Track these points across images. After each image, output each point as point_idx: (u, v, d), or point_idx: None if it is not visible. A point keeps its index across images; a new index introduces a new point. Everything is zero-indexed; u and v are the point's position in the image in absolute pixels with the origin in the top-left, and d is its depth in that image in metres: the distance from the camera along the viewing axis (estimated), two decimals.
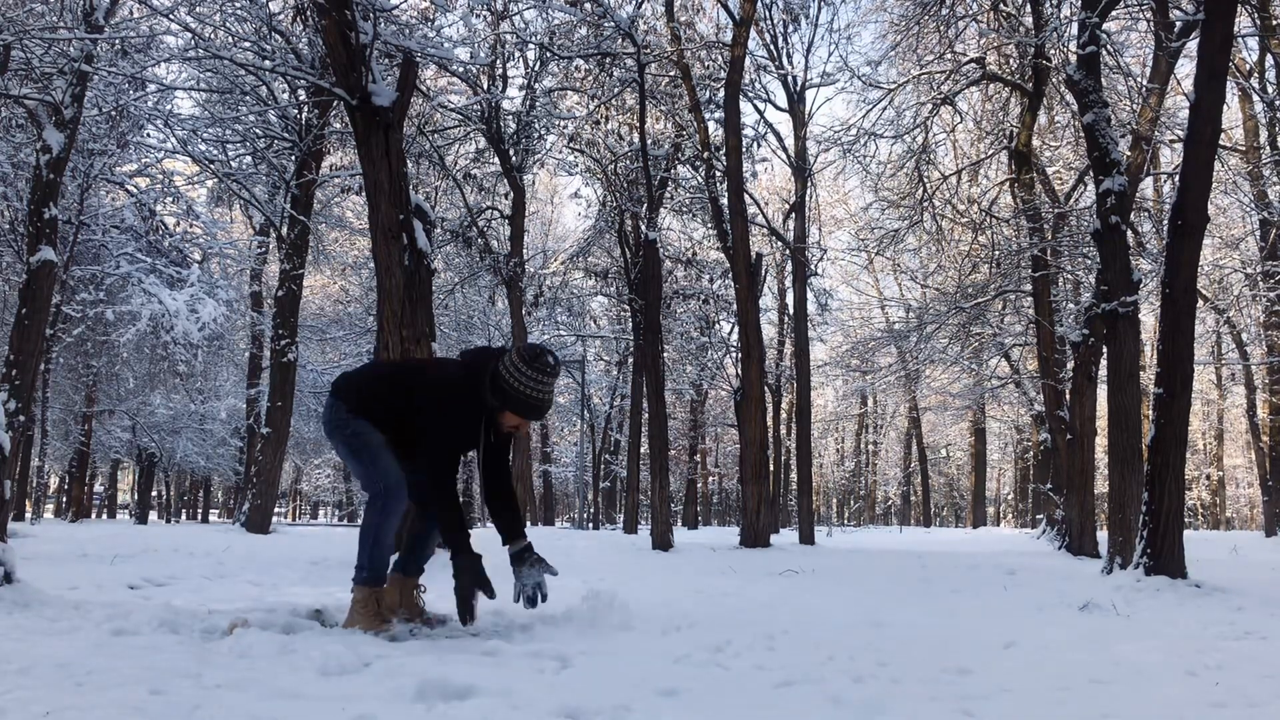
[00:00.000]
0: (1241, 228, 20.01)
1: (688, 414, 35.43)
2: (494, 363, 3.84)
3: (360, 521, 4.01)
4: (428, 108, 16.95)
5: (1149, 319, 19.54)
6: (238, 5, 12.21)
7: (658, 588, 6.19)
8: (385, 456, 3.90)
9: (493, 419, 3.89)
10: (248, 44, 13.53)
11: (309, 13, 11.15)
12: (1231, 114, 18.00)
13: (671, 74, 16.99)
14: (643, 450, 24.35)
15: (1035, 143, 15.78)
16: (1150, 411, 7.16)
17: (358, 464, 3.95)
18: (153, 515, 38.19)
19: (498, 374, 3.78)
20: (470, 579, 3.77)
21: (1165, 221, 8.44)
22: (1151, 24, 11.68)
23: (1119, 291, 8.95)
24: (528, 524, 22.97)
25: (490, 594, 3.82)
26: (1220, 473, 38.68)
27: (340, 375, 4.21)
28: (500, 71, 19.34)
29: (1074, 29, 11.23)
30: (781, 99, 19.52)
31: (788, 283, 25.22)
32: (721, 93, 16.03)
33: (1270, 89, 16.96)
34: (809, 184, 19.16)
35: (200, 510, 44.88)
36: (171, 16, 11.60)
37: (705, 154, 15.80)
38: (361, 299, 26.33)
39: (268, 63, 13.26)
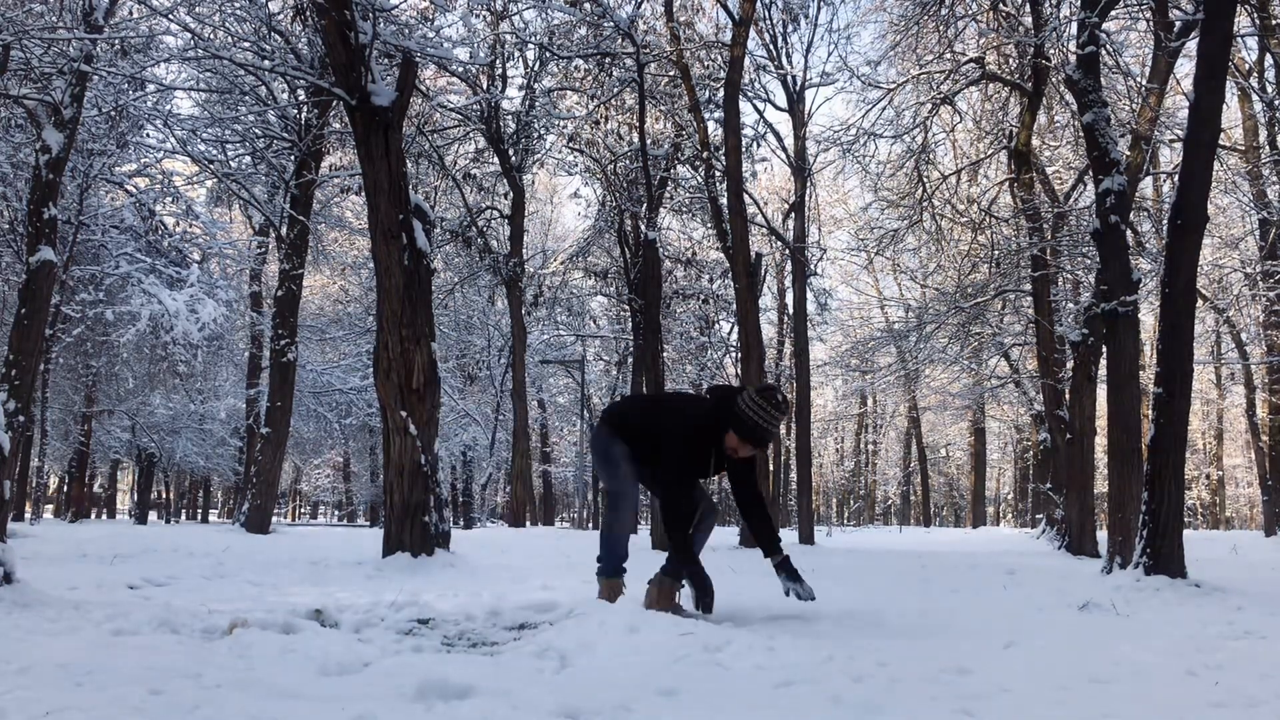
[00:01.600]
0: (1241, 227, 20.00)
1: None
2: (731, 400, 4.43)
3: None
4: (427, 108, 16.96)
5: (1149, 319, 19.54)
6: (237, 5, 12.21)
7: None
8: (625, 467, 4.61)
9: (720, 445, 4.46)
10: (247, 44, 13.52)
11: (308, 12, 11.16)
12: (1231, 114, 18.00)
13: (671, 74, 16.99)
14: None
15: (1035, 142, 15.77)
16: (1150, 411, 7.16)
17: (605, 471, 4.75)
18: (152, 515, 38.19)
19: (737, 408, 4.35)
20: (703, 580, 4.45)
21: (1165, 221, 8.44)
22: (1151, 24, 11.68)
23: (1118, 291, 8.95)
24: (530, 524, 22.96)
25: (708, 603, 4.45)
26: (1220, 472, 38.67)
27: (610, 404, 5.20)
28: (500, 71, 19.35)
29: (1073, 29, 11.24)
30: (781, 99, 19.54)
31: (787, 282, 25.24)
32: (721, 92, 16.03)
33: (1270, 89, 16.95)
34: (808, 184, 19.15)
35: (200, 510, 44.88)
36: (171, 16, 11.61)
37: (705, 154, 15.80)
38: (361, 299, 26.35)
39: (267, 63, 13.27)
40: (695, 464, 4.55)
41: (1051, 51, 13.28)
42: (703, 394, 4.88)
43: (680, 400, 5.07)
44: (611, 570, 4.69)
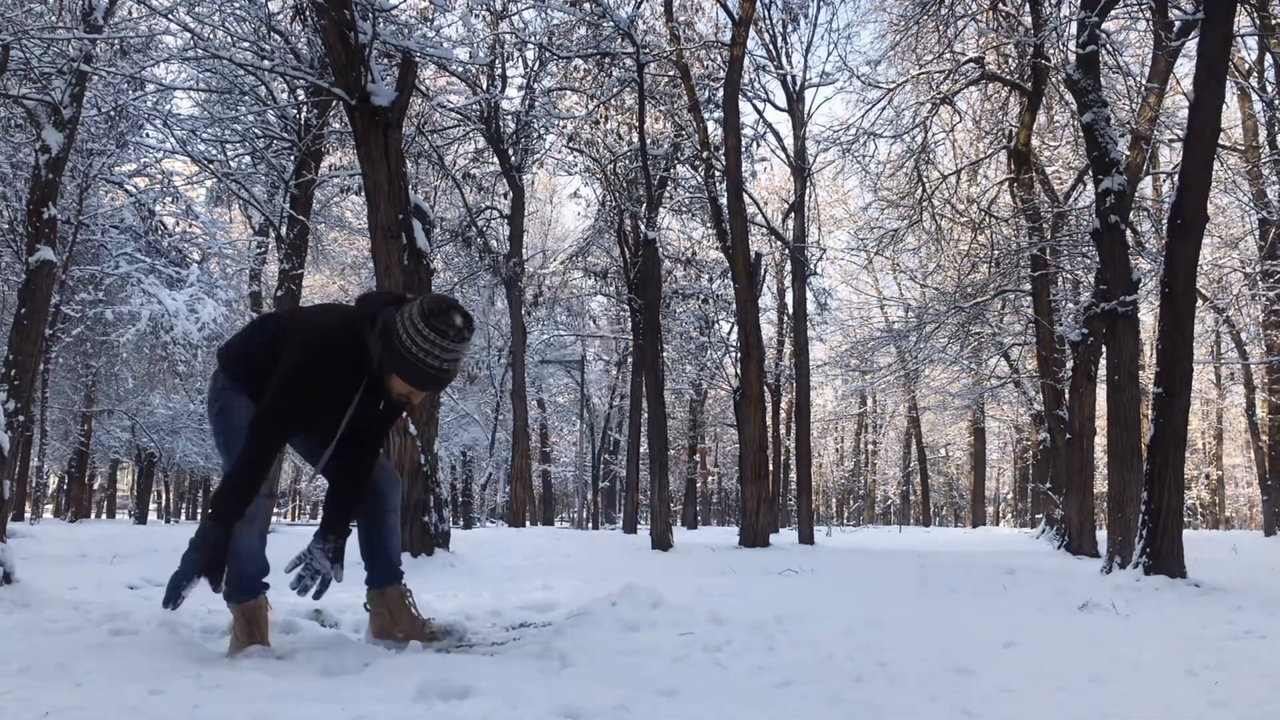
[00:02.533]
0: (1241, 227, 20.01)
1: (687, 414, 35.44)
2: (390, 311, 3.11)
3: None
4: (427, 107, 16.94)
5: (1148, 318, 19.55)
6: (237, 5, 12.20)
7: (657, 588, 6.18)
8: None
9: (378, 382, 3.16)
10: (247, 44, 13.51)
11: (308, 12, 11.15)
12: (1231, 113, 18.00)
13: (670, 74, 16.99)
14: (642, 450, 24.37)
15: (1035, 142, 15.78)
16: (1150, 411, 7.16)
17: (220, 446, 3.32)
18: (152, 515, 38.16)
19: (390, 327, 3.04)
20: (207, 555, 3.06)
21: (1165, 221, 8.44)
22: (1150, 23, 11.68)
23: (1118, 291, 8.95)
24: (530, 524, 22.97)
25: (216, 585, 3.09)
26: (1219, 472, 38.67)
27: (228, 340, 3.51)
28: (499, 71, 19.34)
29: (1073, 28, 11.23)
30: (781, 99, 19.53)
31: (787, 282, 25.23)
32: (720, 92, 16.02)
33: (1269, 88, 16.95)
34: (808, 184, 19.15)
35: (200, 510, 44.84)
36: (170, 16, 11.61)
37: (704, 154, 15.80)
38: None
39: (267, 63, 13.26)
40: (321, 402, 3.14)
41: (1051, 51, 13.29)
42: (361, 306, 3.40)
43: (316, 313, 3.48)
44: (244, 589, 3.30)
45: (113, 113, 14.03)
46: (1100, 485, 14.86)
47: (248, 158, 17.25)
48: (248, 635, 3.32)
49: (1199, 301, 12.76)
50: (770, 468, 18.06)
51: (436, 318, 3.00)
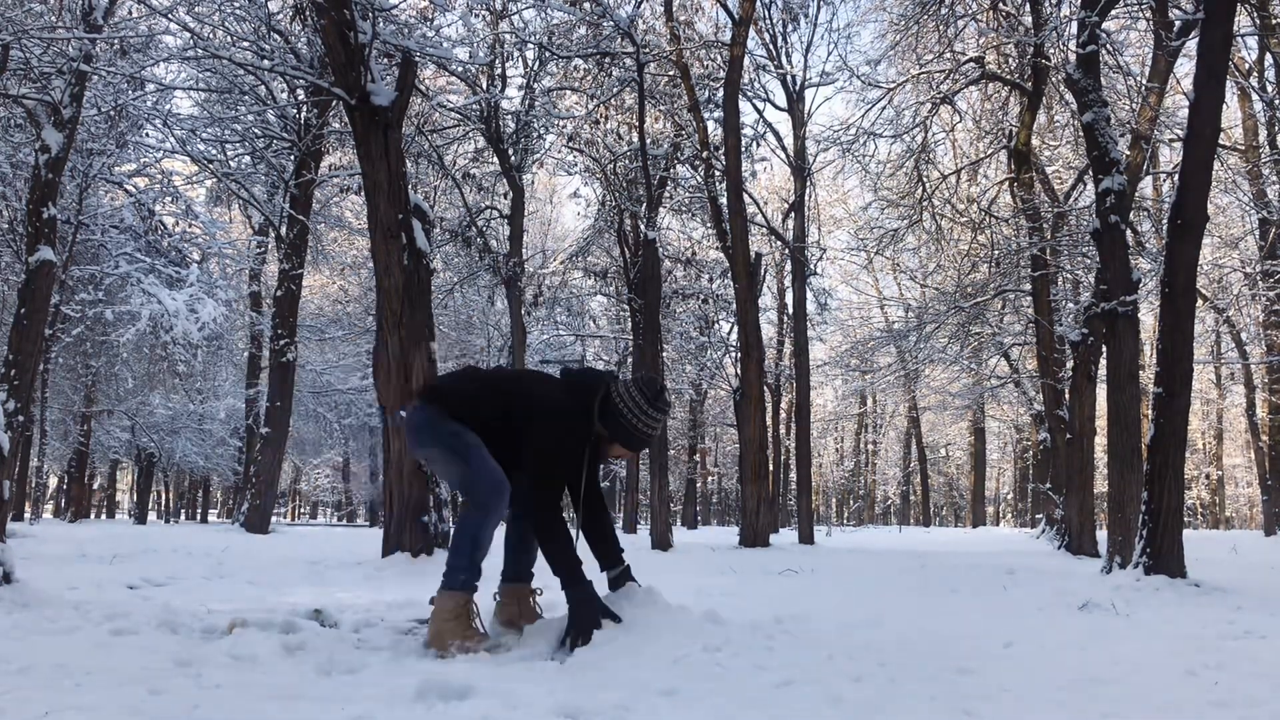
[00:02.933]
0: (1241, 227, 20.02)
1: (687, 414, 35.42)
2: (604, 388, 3.71)
3: (456, 524, 3.79)
4: (427, 107, 16.95)
5: (1148, 318, 19.55)
6: (236, 5, 12.21)
7: (657, 588, 6.17)
8: (486, 456, 3.70)
9: (596, 447, 3.77)
10: (246, 44, 13.53)
11: (308, 12, 11.16)
12: (1231, 113, 18.01)
13: (670, 73, 16.99)
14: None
15: (1035, 142, 15.77)
16: (1150, 410, 7.16)
17: (458, 464, 3.72)
18: (151, 515, 38.16)
19: (611, 403, 3.66)
20: (591, 611, 3.59)
21: (1165, 221, 8.45)
22: (1151, 23, 11.68)
23: (1118, 291, 8.95)
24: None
25: (616, 619, 3.63)
26: (1220, 472, 38.67)
27: (431, 385, 4.08)
28: (499, 71, 19.31)
29: (1073, 28, 11.24)
30: (781, 98, 19.53)
31: (787, 282, 25.24)
32: (720, 92, 16.02)
33: (1270, 88, 16.96)
34: (808, 183, 19.16)
35: (199, 510, 44.89)
36: (170, 16, 11.62)
37: (704, 153, 15.80)
38: (361, 299, 26.34)
39: (266, 62, 13.27)
40: (572, 462, 3.75)
41: (1051, 51, 13.29)
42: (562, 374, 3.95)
43: (532, 381, 3.98)
44: (471, 584, 3.72)
45: (113, 113, 14.04)
46: (1100, 485, 14.86)
47: (248, 158, 17.28)
48: (464, 629, 3.62)
49: (1199, 301, 12.76)
50: (770, 468, 18.05)
51: (659, 399, 3.69)
